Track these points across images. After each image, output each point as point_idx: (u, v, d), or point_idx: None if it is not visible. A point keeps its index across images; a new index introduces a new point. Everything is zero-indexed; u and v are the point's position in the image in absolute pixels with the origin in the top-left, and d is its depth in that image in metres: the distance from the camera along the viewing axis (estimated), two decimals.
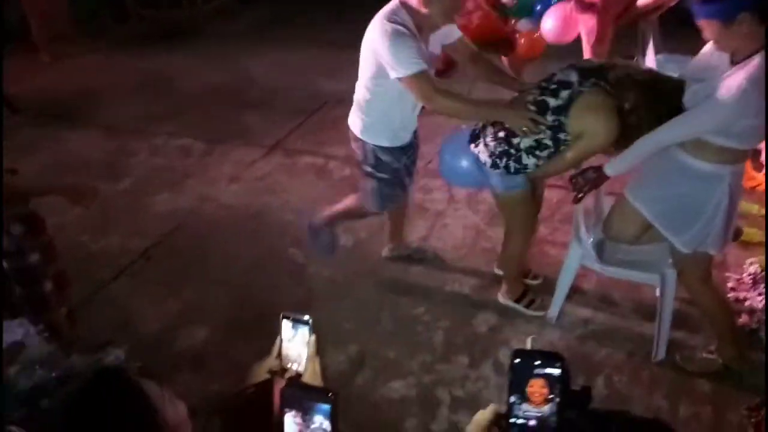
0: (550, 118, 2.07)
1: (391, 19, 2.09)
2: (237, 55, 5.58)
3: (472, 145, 2.29)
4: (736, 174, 1.96)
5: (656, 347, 2.36)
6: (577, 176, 2.14)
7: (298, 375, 1.13)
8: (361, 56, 2.28)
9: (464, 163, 2.37)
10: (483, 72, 2.45)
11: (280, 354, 1.16)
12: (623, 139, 2.02)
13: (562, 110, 2.05)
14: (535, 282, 2.77)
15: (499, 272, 2.75)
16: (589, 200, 2.44)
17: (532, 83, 2.29)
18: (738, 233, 2.83)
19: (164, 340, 2.68)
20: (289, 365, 1.14)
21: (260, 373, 1.17)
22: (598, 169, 2.08)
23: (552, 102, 2.07)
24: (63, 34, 5.94)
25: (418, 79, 2.07)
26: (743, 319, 2.47)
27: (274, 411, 1.02)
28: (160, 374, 2.41)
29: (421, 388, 2.36)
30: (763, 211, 3.09)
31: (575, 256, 2.38)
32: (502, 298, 2.67)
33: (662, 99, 1.97)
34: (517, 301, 2.63)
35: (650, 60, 3.76)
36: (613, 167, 2.05)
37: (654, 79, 2.06)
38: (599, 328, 2.54)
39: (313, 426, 0.89)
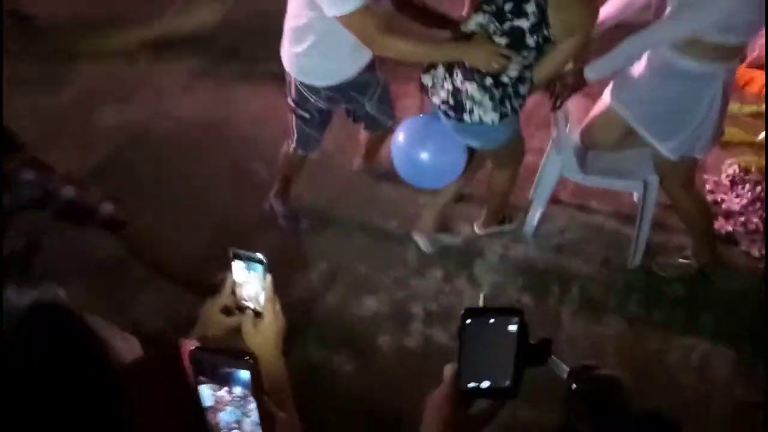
0: (530, 40, 1.79)
1: None
2: None
3: (465, 116, 1.92)
4: (730, 71, 1.82)
5: (633, 254, 2.32)
6: (555, 81, 1.94)
7: (258, 314, 1.03)
8: None
9: (439, 152, 2.05)
10: (415, 13, 2.09)
11: (233, 292, 1.05)
12: None
13: (540, 26, 1.76)
14: (511, 226, 2.55)
15: (481, 231, 2.51)
16: (569, 106, 2.29)
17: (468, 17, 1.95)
18: (720, 133, 2.73)
19: (124, 264, 2.54)
20: (244, 303, 1.04)
21: (214, 311, 1.07)
22: (579, 72, 1.89)
23: (524, 23, 1.77)
24: None
25: (358, 16, 1.70)
26: (719, 221, 2.44)
27: (188, 378, 0.88)
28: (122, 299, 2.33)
29: (395, 303, 2.30)
30: (744, 110, 2.99)
31: (554, 168, 2.26)
32: (480, 229, 2.50)
33: None
34: (500, 224, 2.50)
35: None
36: (594, 70, 1.86)
37: None
38: (575, 237, 2.49)
39: (233, 395, 0.77)
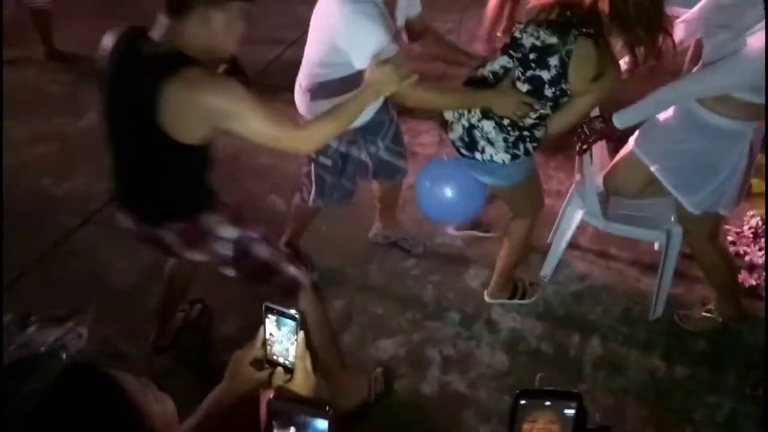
0: (548, 91, 1.79)
1: None
2: None
3: (477, 153, 1.94)
4: (758, 131, 1.80)
5: (654, 305, 2.28)
6: (582, 126, 1.94)
7: (288, 370, 1.00)
8: (312, 29, 1.94)
9: (460, 188, 2.08)
10: (435, 47, 2.15)
11: (264, 343, 1.03)
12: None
13: (559, 79, 1.76)
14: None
15: (489, 299, 2.40)
16: (594, 151, 2.28)
17: (485, 57, 1.99)
18: (748, 189, 2.71)
19: (137, 295, 2.52)
20: (275, 358, 1.01)
21: (243, 361, 1.05)
22: (606, 119, 1.89)
23: (545, 75, 1.77)
24: None
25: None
26: (742, 275, 2.40)
27: (261, 425, 0.88)
28: (134, 330, 2.30)
29: (411, 346, 2.26)
30: (765, 160, 2.98)
31: (576, 213, 2.24)
32: (491, 298, 2.39)
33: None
34: (511, 297, 2.38)
35: None
36: (622, 119, 1.85)
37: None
38: (595, 284, 2.45)
39: None
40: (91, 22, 4.64)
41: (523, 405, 0.71)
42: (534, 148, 1.94)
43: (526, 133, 1.89)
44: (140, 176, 1.67)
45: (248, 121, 1.50)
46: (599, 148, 2.25)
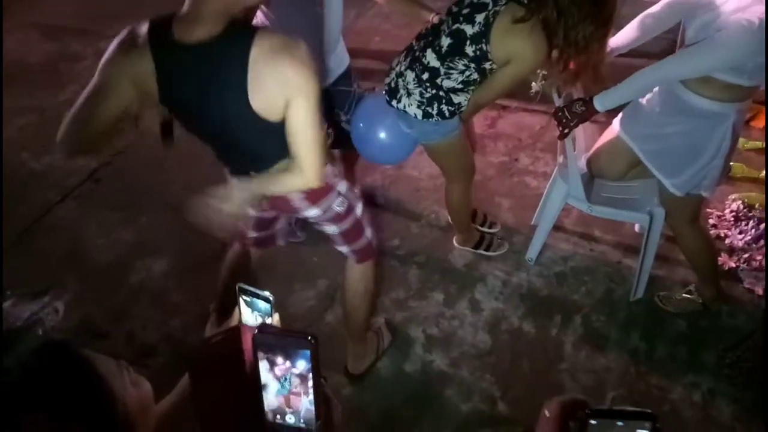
0: (469, 48, 1.79)
1: None
2: None
3: (394, 102, 1.97)
4: (741, 112, 1.81)
5: (635, 286, 2.30)
6: (563, 109, 1.92)
7: None
8: None
9: (387, 132, 2.06)
10: (398, 4, 2.15)
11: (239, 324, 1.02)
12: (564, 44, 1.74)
13: (481, 37, 1.76)
14: (493, 230, 2.59)
15: (463, 248, 2.53)
16: (576, 133, 2.28)
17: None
18: (727, 171, 2.73)
19: (118, 271, 2.50)
20: None
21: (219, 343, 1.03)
22: (587, 102, 1.87)
23: (469, 30, 1.77)
24: None
25: None
26: (723, 258, 2.42)
27: (246, 359, 0.90)
28: (116, 307, 2.27)
29: (395, 325, 2.26)
30: (748, 145, 3.00)
31: (559, 195, 2.24)
32: (460, 246, 2.52)
33: None
34: (476, 247, 2.50)
35: None
36: (603, 101, 1.84)
37: None
38: (578, 265, 2.46)
39: (292, 372, 0.78)
40: None
41: (593, 426, 0.68)
42: (450, 112, 1.94)
43: (442, 93, 1.90)
44: (256, 153, 1.47)
45: (310, 110, 1.31)
46: (582, 130, 2.25)
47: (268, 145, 1.41)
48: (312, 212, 1.65)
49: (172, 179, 2.88)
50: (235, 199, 1.44)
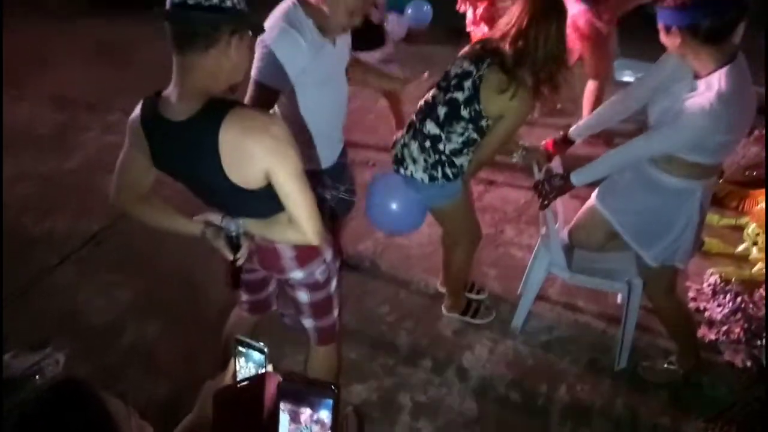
0: (464, 112, 2.00)
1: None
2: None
3: (401, 170, 2.15)
4: (707, 188, 1.95)
5: (618, 356, 2.35)
6: (543, 182, 2.09)
7: None
8: None
9: (400, 203, 2.21)
10: (362, 76, 2.27)
11: (234, 375, 1.08)
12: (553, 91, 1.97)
13: (472, 100, 1.97)
14: (480, 297, 2.68)
15: (450, 314, 2.60)
16: (557, 205, 2.42)
17: (412, 77, 2.25)
18: (700, 244, 2.86)
19: (113, 333, 2.53)
20: None
21: (213, 391, 1.09)
22: (565, 177, 2.03)
23: (460, 96, 1.99)
24: None
25: None
26: (702, 330, 2.50)
27: (266, 406, 0.95)
28: (109, 369, 2.28)
29: (383, 391, 2.29)
30: (723, 222, 3.15)
31: (542, 264, 2.34)
32: (447, 312, 2.60)
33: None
34: (463, 313, 2.58)
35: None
36: (579, 177, 2.00)
37: None
38: (563, 335, 2.53)
39: (313, 420, 0.84)
40: (84, 65, 4.80)
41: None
42: (453, 174, 2.10)
43: (444, 157, 2.08)
44: (251, 212, 1.53)
45: (292, 177, 1.38)
46: (563, 203, 2.39)
47: (261, 205, 1.48)
48: (297, 274, 1.68)
49: (170, 243, 2.97)
50: (219, 241, 1.54)
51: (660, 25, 1.76)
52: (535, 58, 1.89)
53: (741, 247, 2.96)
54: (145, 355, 2.43)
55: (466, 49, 2.06)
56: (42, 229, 3.12)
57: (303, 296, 1.75)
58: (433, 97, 2.09)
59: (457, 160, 2.09)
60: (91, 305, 2.68)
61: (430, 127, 2.07)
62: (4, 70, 4.59)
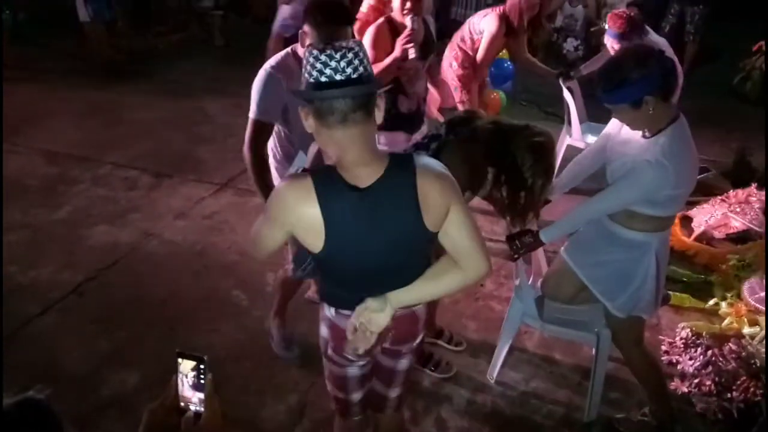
0: None
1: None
2: (194, 90, 5.54)
3: None
4: (663, 241, 2.08)
5: (588, 407, 2.39)
6: (515, 238, 2.18)
7: (197, 416, 1.09)
8: None
9: None
10: None
11: (176, 390, 1.11)
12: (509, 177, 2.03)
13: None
14: (458, 348, 2.72)
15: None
16: (533, 257, 2.52)
17: None
18: (666, 299, 2.97)
19: (91, 383, 2.53)
20: (183, 404, 1.10)
21: (158, 412, 1.11)
22: (535, 234, 2.14)
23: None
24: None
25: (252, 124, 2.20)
26: (675, 382, 2.56)
27: None
28: (84, 419, 2.28)
29: None
30: (693, 278, 3.26)
31: (516, 313, 2.42)
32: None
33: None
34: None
35: (575, 127, 4.02)
36: (547, 234, 2.12)
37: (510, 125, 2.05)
38: (540, 387, 2.57)
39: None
40: (76, 122, 4.94)
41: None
42: None
43: None
44: (410, 270, 1.53)
45: (465, 210, 1.48)
46: (536, 255, 2.50)
47: (422, 260, 1.53)
48: (418, 340, 1.69)
49: (152, 295, 3.01)
50: (385, 315, 1.49)
51: (624, 107, 1.84)
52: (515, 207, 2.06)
53: (711, 302, 3.05)
54: (122, 406, 2.42)
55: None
56: (27, 279, 3.14)
57: (404, 364, 1.73)
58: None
59: None
60: (71, 355, 2.68)
61: None
62: None
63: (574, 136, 4.05)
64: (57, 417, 0.91)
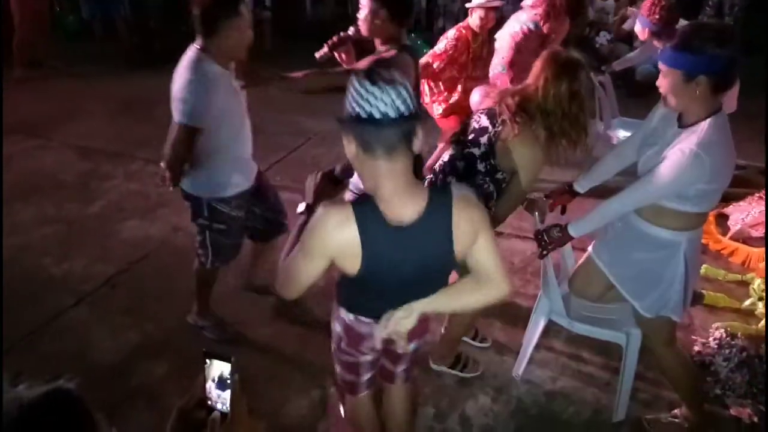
0: (480, 166, 2.09)
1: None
2: None
3: None
4: (692, 241, 1.98)
5: (616, 407, 2.34)
6: (543, 233, 2.15)
7: (224, 415, 1.07)
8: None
9: None
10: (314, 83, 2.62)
11: (204, 389, 1.10)
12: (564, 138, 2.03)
13: (488, 155, 2.07)
14: (484, 345, 2.70)
15: (438, 367, 2.55)
16: (558, 254, 2.47)
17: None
18: (699, 298, 2.88)
19: (121, 373, 2.58)
20: (211, 403, 1.09)
21: (186, 410, 1.10)
22: (563, 228, 2.10)
23: (476, 151, 2.09)
24: (44, 54, 5.91)
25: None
26: (709, 384, 2.48)
27: None
28: (114, 407, 2.32)
29: None
30: (729, 277, 3.16)
31: (543, 310, 2.38)
32: (436, 364, 2.55)
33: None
34: (452, 366, 2.54)
35: (607, 123, 3.93)
36: (576, 228, 2.07)
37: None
38: (567, 386, 2.52)
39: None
40: (110, 118, 5.05)
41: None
42: None
43: None
44: (430, 291, 1.59)
45: (492, 237, 1.56)
46: (564, 253, 2.45)
47: (443, 277, 1.62)
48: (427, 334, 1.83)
49: (181, 287, 3.05)
50: (411, 321, 1.55)
51: (677, 73, 1.76)
52: (546, 115, 1.99)
53: (747, 302, 2.96)
54: (151, 396, 2.46)
55: (485, 104, 2.15)
56: (60, 271, 3.22)
57: (413, 346, 1.77)
58: (451, 154, 2.18)
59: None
60: (102, 345, 2.74)
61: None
62: (33, 121, 4.87)
63: (606, 132, 3.97)
64: (86, 405, 0.90)
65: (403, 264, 1.49)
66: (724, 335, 2.73)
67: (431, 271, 1.55)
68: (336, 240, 1.42)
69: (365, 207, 1.43)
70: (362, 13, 2.46)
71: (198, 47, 2.19)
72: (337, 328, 1.75)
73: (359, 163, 1.43)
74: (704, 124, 1.78)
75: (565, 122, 2.00)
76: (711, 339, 2.73)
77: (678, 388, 2.28)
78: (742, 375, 2.51)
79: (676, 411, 2.32)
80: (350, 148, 1.42)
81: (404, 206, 1.44)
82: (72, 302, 3.00)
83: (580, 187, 2.31)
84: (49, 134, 4.69)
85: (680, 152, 1.77)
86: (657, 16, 3.20)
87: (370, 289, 1.57)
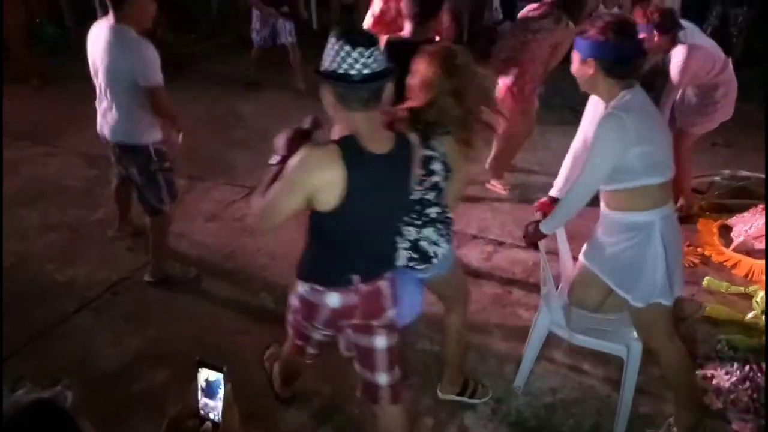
0: (443, 183, 2.03)
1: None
2: (228, 94, 5.63)
3: (433, 260, 2.10)
4: (665, 218, 2.01)
5: (617, 421, 2.33)
6: (526, 228, 2.29)
7: (215, 426, 1.08)
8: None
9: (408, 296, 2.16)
10: None
11: (197, 398, 1.11)
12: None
13: (448, 172, 2.04)
14: (482, 400, 2.47)
15: (447, 396, 2.46)
16: (558, 264, 2.47)
17: None
18: (700, 309, 2.88)
19: (121, 379, 2.59)
20: (203, 413, 1.10)
21: (177, 420, 1.11)
22: (536, 226, 2.22)
23: (439, 178, 2.03)
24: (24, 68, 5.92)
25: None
26: (710, 398, 2.47)
27: None
28: (114, 415, 2.33)
29: None
30: (731, 289, 3.15)
31: (543, 323, 2.37)
32: (443, 393, 2.46)
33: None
34: (460, 393, 2.45)
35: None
36: (546, 225, 2.18)
37: None
38: (567, 397, 2.51)
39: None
40: None
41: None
42: (448, 231, 2.17)
43: (449, 221, 2.15)
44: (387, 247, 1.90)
45: None
46: (563, 263, 2.46)
47: (393, 238, 1.93)
48: (390, 314, 1.85)
49: (183, 295, 3.07)
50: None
51: (575, 55, 1.98)
52: (447, 117, 1.95)
53: (750, 315, 2.94)
54: (151, 403, 2.47)
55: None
56: (64, 277, 3.25)
57: (382, 342, 1.81)
58: (420, 195, 2.05)
59: (449, 214, 2.15)
60: (103, 352, 2.75)
61: (432, 211, 2.07)
62: (39, 128, 4.91)
63: None
64: (71, 417, 0.91)
65: (379, 192, 1.64)
66: (726, 348, 2.71)
67: (395, 216, 1.81)
68: (318, 176, 1.56)
69: (347, 141, 1.59)
70: None
71: (115, 21, 2.66)
72: (293, 301, 1.86)
73: (337, 112, 1.61)
74: (622, 93, 1.93)
75: (464, 119, 1.99)
76: (713, 352, 2.71)
77: (677, 390, 2.26)
78: (744, 389, 2.50)
79: (670, 420, 2.30)
80: (328, 99, 1.59)
81: (379, 140, 1.63)
82: (74, 309, 3.01)
83: (555, 192, 2.44)
84: (55, 141, 4.72)
85: (602, 119, 1.92)
86: (643, 14, 3.25)
87: (337, 238, 1.71)
